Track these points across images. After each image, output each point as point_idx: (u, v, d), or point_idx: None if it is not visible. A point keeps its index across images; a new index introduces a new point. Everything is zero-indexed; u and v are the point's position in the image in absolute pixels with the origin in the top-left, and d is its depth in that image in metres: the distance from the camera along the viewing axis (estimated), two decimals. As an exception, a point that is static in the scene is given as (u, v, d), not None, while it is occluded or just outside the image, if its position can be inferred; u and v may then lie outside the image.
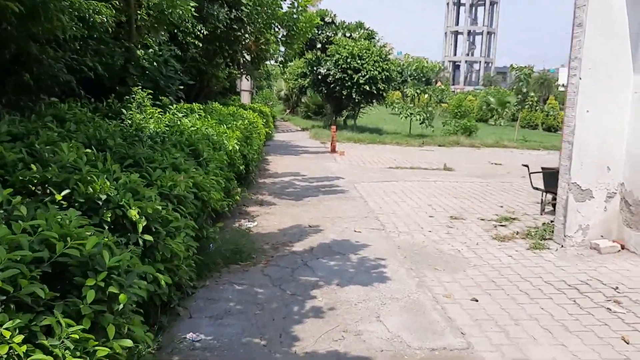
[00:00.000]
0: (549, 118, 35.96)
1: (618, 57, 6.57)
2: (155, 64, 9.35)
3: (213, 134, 6.61)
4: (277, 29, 15.97)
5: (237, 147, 7.11)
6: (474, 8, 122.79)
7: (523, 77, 25.88)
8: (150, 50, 9.63)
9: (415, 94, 35.10)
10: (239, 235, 6.45)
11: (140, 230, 3.46)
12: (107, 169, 3.84)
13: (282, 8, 15.58)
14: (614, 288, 5.37)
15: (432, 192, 10.67)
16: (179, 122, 6.98)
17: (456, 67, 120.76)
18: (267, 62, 25.47)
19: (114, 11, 9.41)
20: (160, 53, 9.67)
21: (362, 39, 26.26)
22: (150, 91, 7.85)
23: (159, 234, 3.67)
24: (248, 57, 17.46)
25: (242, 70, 17.03)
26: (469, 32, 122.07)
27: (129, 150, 4.65)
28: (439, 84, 58.24)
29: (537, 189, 8.85)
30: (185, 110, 7.67)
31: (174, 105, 7.63)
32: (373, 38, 27.49)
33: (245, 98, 26.08)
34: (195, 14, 12.50)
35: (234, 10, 15.20)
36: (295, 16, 15.61)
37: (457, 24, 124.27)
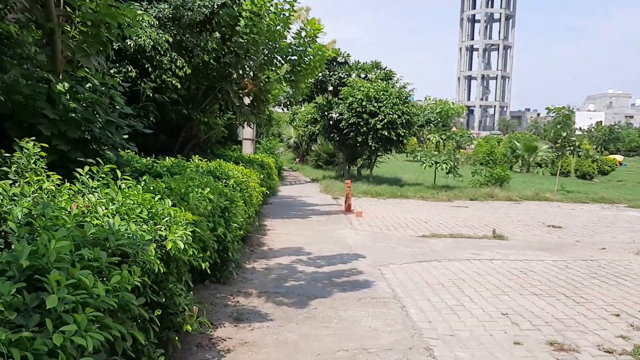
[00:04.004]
0: (583, 165, 32.59)
1: None
2: (90, 102, 6.33)
3: (125, 224, 3.47)
4: (279, 64, 13.06)
5: (183, 245, 3.94)
6: (487, 53, 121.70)
7: (562, 119, 22.73)
8: (89, 84, 6.64)
9: (440, 140, 31.99)
10: None
11: None
12: None
13: (285, 38, 12.73)
14: None
15: (495, 282, 7.36)
16: (85, 201, 3.88)
17: (470, 111, 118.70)
18: (272, 107, 22.75)
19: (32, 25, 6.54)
20: (103, 88, 6.67)
21: (379, 80, 23.44)
22: (45, 145, 4.77)
23: None
24: (247, 100, 14.57)
25: (237, 115, 14.06)
26: (483, 77, 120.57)
27: None
28: (454, 128, 55.33)
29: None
30: (103, 177, 4.54)
31: (84, 169, 4.50)
32: (391, 79, 24.66)
33: (247, 148, 23.18)
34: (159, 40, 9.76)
35: (227, 42, 12.40)
36: (301, 48, 12.70)
37: (470, 68, 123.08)
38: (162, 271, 3.79)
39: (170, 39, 10.88)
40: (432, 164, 21.61)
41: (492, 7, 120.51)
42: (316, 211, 14.53)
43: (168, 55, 10.93)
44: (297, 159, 37.41)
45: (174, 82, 10.79)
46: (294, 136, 36.91)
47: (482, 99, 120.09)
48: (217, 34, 12.04)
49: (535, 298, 6.61)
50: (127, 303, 2.91)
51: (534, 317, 5.84)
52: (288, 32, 12.73)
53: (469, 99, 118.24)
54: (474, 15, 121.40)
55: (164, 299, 4.11)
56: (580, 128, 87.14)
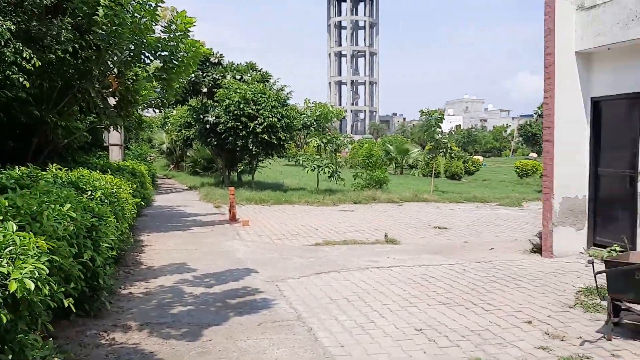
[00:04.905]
0: (452, 165, 34.41)
1: None
2: None
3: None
4: (149, 61, 11.78)
5: (34, 283, 2.90)
6: (355, 59, 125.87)
7: (435, 122, 23.62)
8: None
9: (322, 144, 31.93)
10: None
11: None
12: None
13: (154, 32, 11.49)
14: None
15: (400, 292, 6.93)
16: None
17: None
18: (142, 110, 21.02)
19: None
20: None
21: (255, 82, 22.66)
22: None
23: None
24: (112, 101, 13.04)
25: (101, 117, 12.49)
26: (352, 82, 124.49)
27: None
28: (329, 132, 56.11)
29: (617, 300, 5.26)
30: None
31: None
32: (267, 81, 24.01)
33: (115, 154, 21.21)
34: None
35: (86, 35, 10.86)
36: (173, 43, 11.55)
37: (339, 74, 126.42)
38: (6, 320, 2.73)
39: (14, 27, 9.21)
40: (315, 168, 21.29)
41: (357, 14, 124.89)
42: (198, 222, 13.39)
43: (12, 45, 9.24)
44: (172, 166, 35.43)
45: (20, 78, 9.12)
46: (166, 141, 34.86)
47: (352, 104, 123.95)
48: (72, 20, 10.46)
49: (444, 308, 6.24)
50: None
51: (449, 331, 5.42)
52: (156, 25, 11.54)
53: (340, 104, 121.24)
54: (341, 22, 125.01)
55: (10, 356, 3.04)
56: (442, 131, 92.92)
